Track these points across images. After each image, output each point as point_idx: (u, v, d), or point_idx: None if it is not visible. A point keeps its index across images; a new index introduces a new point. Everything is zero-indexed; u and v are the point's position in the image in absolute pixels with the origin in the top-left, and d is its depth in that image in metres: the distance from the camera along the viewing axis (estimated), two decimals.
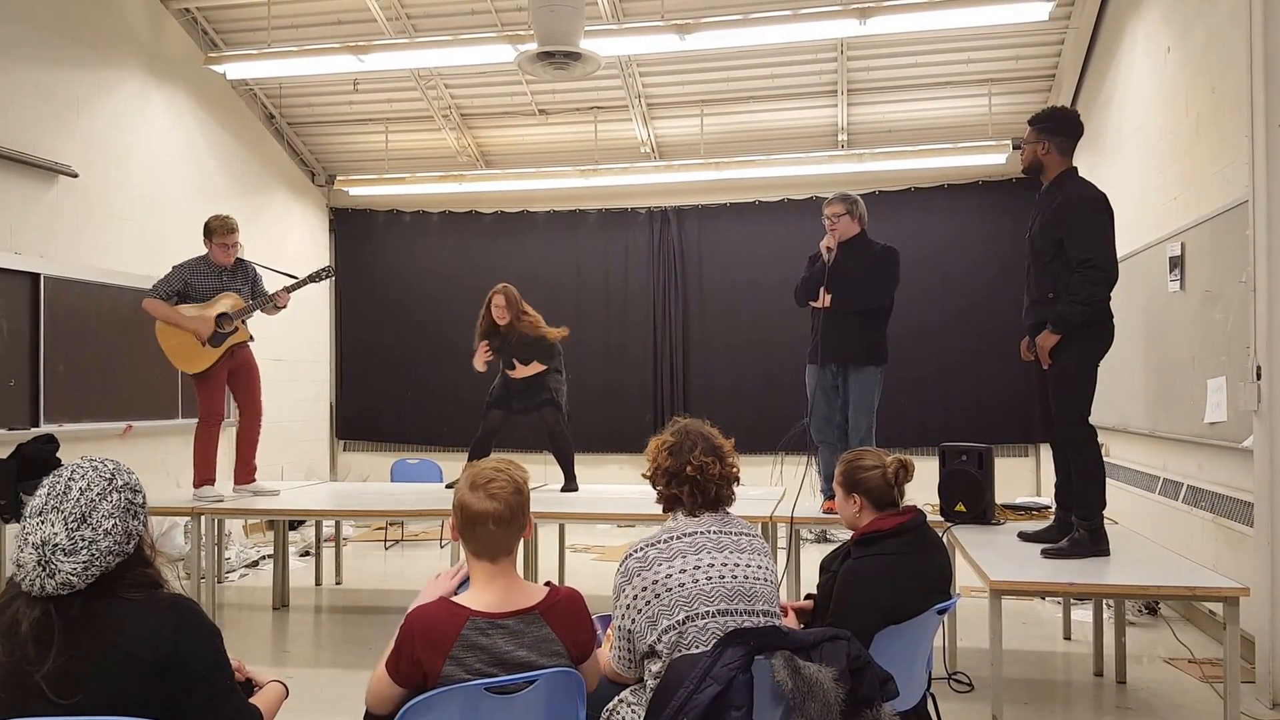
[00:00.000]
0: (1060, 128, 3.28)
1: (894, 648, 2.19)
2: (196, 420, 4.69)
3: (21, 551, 1.53)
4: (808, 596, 2.64)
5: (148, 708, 1.52)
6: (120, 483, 1.61)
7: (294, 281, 4.69)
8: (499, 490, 1.89)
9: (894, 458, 2.53)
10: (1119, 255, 3.25)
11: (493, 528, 1.88)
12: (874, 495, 2.51)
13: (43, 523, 1.53)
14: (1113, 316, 3.22)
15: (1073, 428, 3.21)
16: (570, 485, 4.90)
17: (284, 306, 4.72)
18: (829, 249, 3.99)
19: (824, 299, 3.95)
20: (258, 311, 4.70)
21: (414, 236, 8.41)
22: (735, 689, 1.78)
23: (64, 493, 1.56)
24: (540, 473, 4.95)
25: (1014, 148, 6.65)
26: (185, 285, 4.56)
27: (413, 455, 7.84)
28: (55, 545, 1.51)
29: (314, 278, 4.73)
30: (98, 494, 1.57)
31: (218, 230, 4.57)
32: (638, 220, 7.99)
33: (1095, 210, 3.18)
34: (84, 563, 1.52)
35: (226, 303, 4.58)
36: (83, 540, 1.53)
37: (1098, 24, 6.02)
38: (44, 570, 1.51)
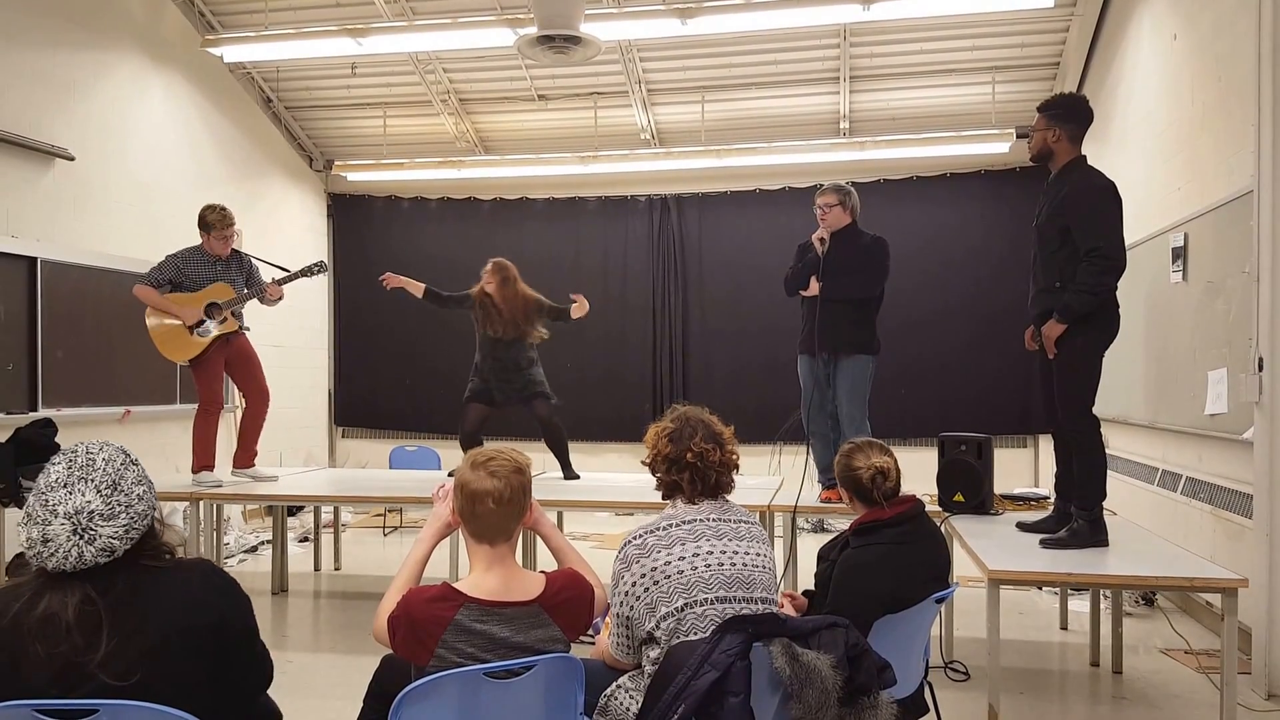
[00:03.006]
0: (1071, 115, 3.26)
1: (891, 636, 2.18)
2: (195, 406, 4.69)
3: (47, 525, 1.48)
4: (804, 593, 2.64)
5: (199, 672, 1.55)
6: (133, 458, 1.64)
7: (285, 275, 4.67)
8: (499, 468, 1.90)
9: (873, 464, 2.50)
10: None
11: (492, 506, 1.88)
12: (859, 493, 2.53)
13: (70, 493, 1.51)
14: (1119, 306, 3.21)
15: (1076, 417, 3.20)
16: (569, 473, 4.90)
17: (275, 299, 4.70)
18: (821, 240, 3.98)
19: (815, 287, 3.95)
20: (251, 302, 4.69)
21: (412, 223, 8.37)
22: (733, 675, 1.78)
23: (88, 464, 1.56)
24: (539, 461, 4.95)
25: (1018, 136, 6.62)
26: (178, 274, 4.54)
27: (411, 442, 7.84)
28: (92, 511, 1.50)
29: (306, 272, 4.71)
30: (121, 464, 1.59)
31: (216, 224, 4.54)
32: (638, 208, 7.96)
33: (1103, 199, 3.16)
34: (124, 526, 1.53)
35: (218, 293, 4.56)
36: (119, 505, 1.54)
37: (1103, 11, 5.97)
38: (81, 538, 1.49)
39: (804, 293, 4.04)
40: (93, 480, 1.53)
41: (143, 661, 1.48)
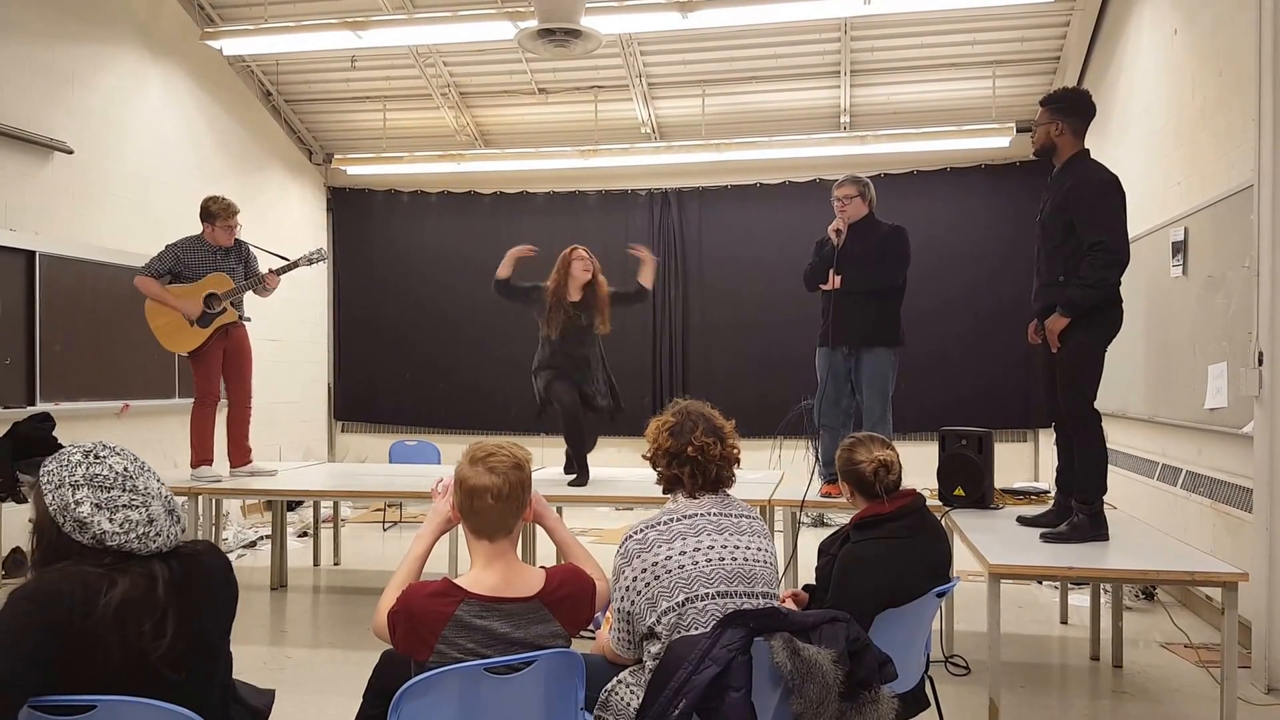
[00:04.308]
0: (1074, 108, 3.25)
1: (892, 630, 2.18)
2: (193, 400, 4.68)
3: (149, 508, 1.54)
4: (805, 587, 2.63)
5: (223, 650, 1.65)
6: None
7: (284, 264, 4.65)
8: (498, 465, 1.89)
9: (876, 457, 2.49)
10: None
11: (491, 502, 1.87)
12: (861, 487, 2.52)
13: (148, 480, 1.59)
14: (1122, 301, 3.20)
15: (1079, 411, 3.20)
16: (570, 468, 4.84)
17: (273, 289, 4.69)
18: (838, 231, 3.96)
19: (833, 281, 3.92)
20: (249, 293, 4.68)
21: (412, 217, 8.36)
22: (734, 670, 1.77)
23: (135, 458, 1.64)
24: (539, 456, 4.93)
25: (1018, 130, 6.61)
26: (178, 263, 4.53)
27: (411, 437, 7.83)
28: (168, 496, 1.61)
29: (305, 260, 4.69)
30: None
31: (220, 214, 4.53)
32: (638, 202, 7.94)
33: (1107, 192, 3.15)
34: (182, 511, 1.64)
35: (216, 283, 4.55)
36: (171, 493, 1.64)
37: (1103, 6, 5.96)
38: (173, 519, 1.59)
39: (823, 287, 4.00)
40: (150, 471, 1.63)
41: (194, 649, 1.54)
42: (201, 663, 1.56)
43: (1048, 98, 3.30)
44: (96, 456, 1.57)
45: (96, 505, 1.52)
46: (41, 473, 1.57)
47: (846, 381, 4.00)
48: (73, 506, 1.51)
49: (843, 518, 4.12)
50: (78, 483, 1.53)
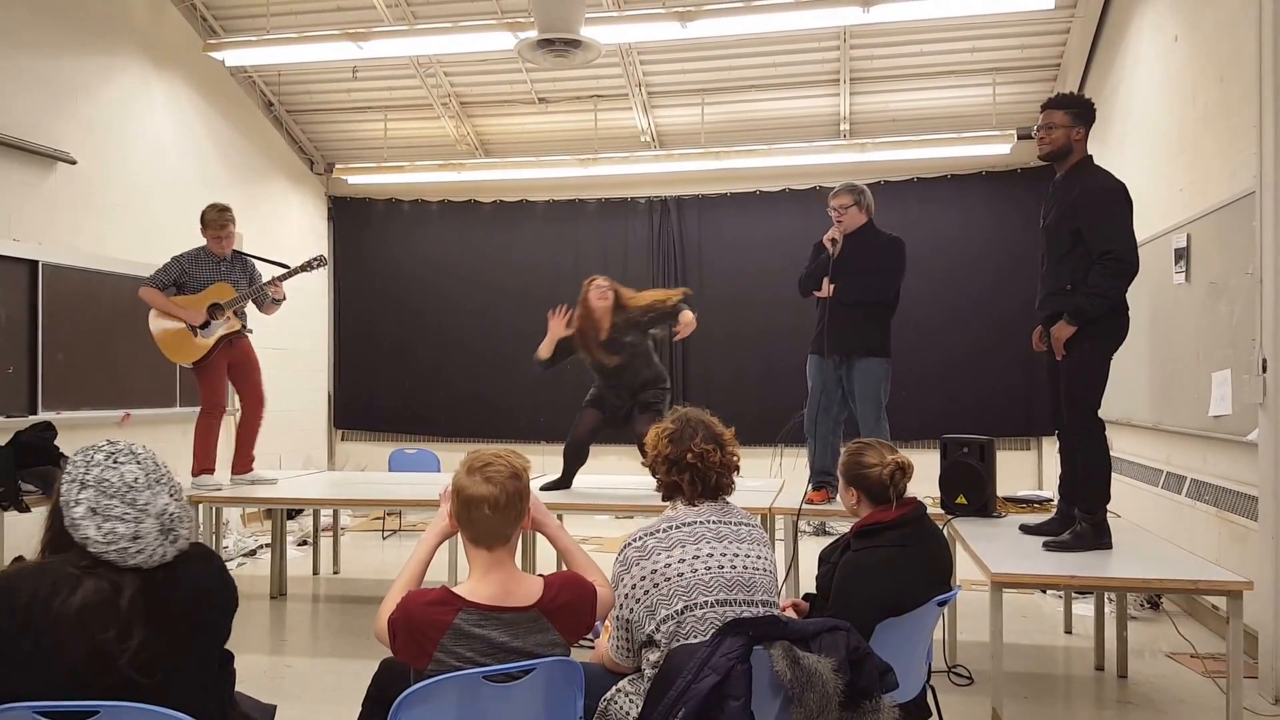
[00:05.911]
0: (1090, 114, 3.24)
1: (894, 639, 2.17)
2: (196, 409, 4.68)
3: (140, 524, 1.53)
4: (805, 596, 2.62)
5: (214, 657, 1.64)
6: None
7: (285, 271, 4.66)
8: (495, 474, 1.87)
9: (892, 460, 2.47)
10: None
11: (488, 512, 1.86)
12: (872, 492, 2.49)
13: (155, 495, 1.57)
14: (1129, 309, 3.19)
15: (1083, 420, 3.18)
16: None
17: (282, 299, 4.69)
18: (833, 241, 3.95)
19: (827, 289, 3.92)
20: (253, 304, 4.68)
21: (413, 225, 8.37)
22: (734, 679, 1.76)
23: (157, 467, 1.61)
24: (539, 464, 4.90)
25: (1019, 137, 6.61)
26: (183, 274, 4.54)
27: (410, 445, 7.83)
28: (173, 514, 1.58)
29: (306, 267, 4.70)
30: (168, 468, 1.65)
31: (211, 223, 4.56)
32: (637, 210, 7.95)
33: (1116, 201, 3.13)
34: (188, 528, 1.62)
35: (219, 293, 4.56)
36: (184, 510, 1.62)
37: (1104, 12, 5.96)
38: (166, 538, 1.56)
39: (817, 294, 4.01)
40: (166, 484, 1.60)
41: (169, 655, 1.52)
42: (186, 671, 1.55)
43: (1064, 100, 3.26)
44: (116, 461, 1.57)
45: (92, 509, 1.52)
46: (70, 459, 1.60)
47: (838, 389, 3.99)
48: (72, 505, 1.53)
49: (843, 526, 4.10)
50: (87, 482, 1.55)
